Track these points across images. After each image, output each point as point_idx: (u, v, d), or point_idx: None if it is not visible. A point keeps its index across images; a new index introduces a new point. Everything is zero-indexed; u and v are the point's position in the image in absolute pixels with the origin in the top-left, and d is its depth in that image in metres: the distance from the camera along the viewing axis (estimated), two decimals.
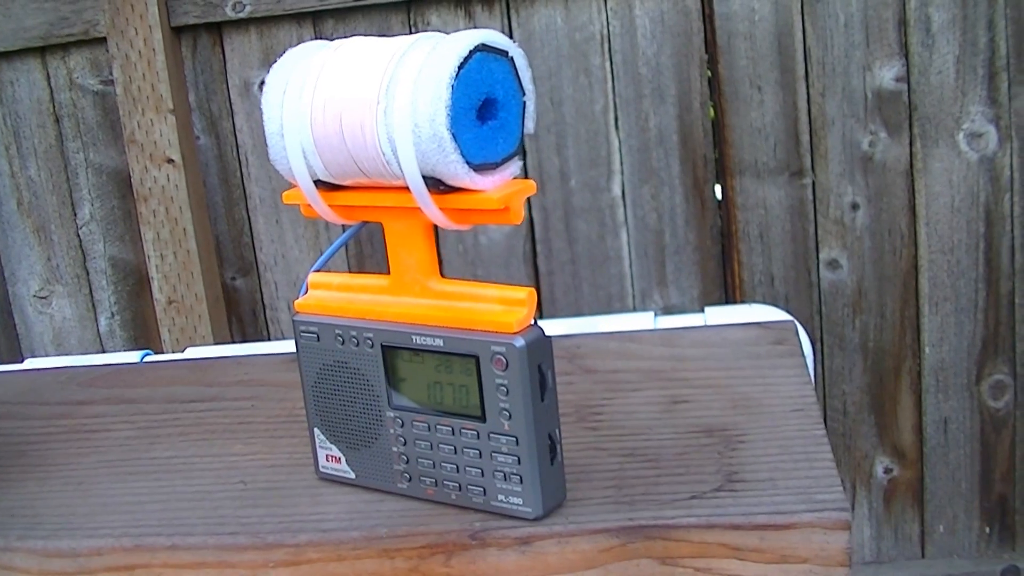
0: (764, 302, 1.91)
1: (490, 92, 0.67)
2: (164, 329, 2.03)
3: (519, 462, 0.69)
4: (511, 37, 1.88)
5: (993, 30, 1.74)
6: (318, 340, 0.75)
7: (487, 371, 0.68)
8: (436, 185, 0.66)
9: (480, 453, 0.70)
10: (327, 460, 0.77)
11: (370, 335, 0.72)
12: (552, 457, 0.70)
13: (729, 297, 1.92)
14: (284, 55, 0.71)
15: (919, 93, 1.78)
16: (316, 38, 1.93)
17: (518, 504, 0.69)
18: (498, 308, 0.68)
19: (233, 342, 2.09)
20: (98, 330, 2.15)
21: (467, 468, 0.71)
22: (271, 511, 0.75)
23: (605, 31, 1.86)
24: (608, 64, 1.87)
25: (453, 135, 0.64)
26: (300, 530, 0.72)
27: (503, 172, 0.68)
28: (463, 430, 0.70)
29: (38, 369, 1.09)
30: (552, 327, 1.07)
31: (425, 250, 0.71)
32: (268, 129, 0.70)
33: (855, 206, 1.84)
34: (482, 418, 0.69)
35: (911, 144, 1.80)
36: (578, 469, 0.75)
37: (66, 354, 2.18)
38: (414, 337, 0.70)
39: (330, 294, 0.75)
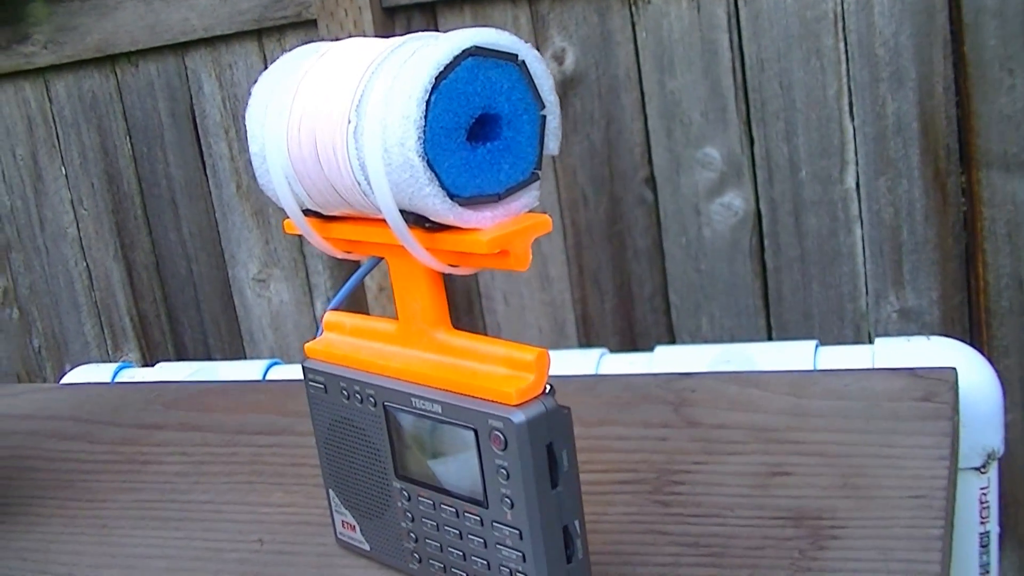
0: (1011, 308, 1.70)
1: (488, 106, 0.54)
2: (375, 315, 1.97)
3: (524, 559, 0.56)
4: (736, 17, 1.73)
5: None
6: (326, 392, 0.64)
7: (486, 448, 0.55)
8: (420, 222, 0.54)
9: (485, 543, 0.58)
10: (343, 527, 0.67)
11: (372, 392, 0.61)
12: (569, 555, 0.56)
13: (972, 301, 1.72)
14: (275, 62, 0.61)
15: None
16: (532, 21, 1.83)
17: None
18: (502, 372, 0.55)
19: None
20: (314, 314, 2.11)
21: (473, 557, 0.59)
22: None
23: (839, 9, 1.69)
24: (842, 45, 1.69)
25: (428, 162, 0.52)
26: None
27: (508, 205, 0.55)
28: (466, 513, 0.58)
29: (147, 382, 1.03)
30: (686, 357, 0.94)
31: (429, 295, 0.59)
32: (251, 150, 0.60)
33: None
34: (484, 503, 0.57)
35: None
36: (626, 559, 0.62)
37: (283, 339, 2.16)
38: (413, 399, 0.58)
39: (342, 338, 0.64)
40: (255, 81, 0.61)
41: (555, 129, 0.56)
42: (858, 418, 0.74)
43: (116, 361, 1.89)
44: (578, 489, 0.57)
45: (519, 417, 0.54)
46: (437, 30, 1.83)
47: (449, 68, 0.52)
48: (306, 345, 0.65)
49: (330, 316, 0.65)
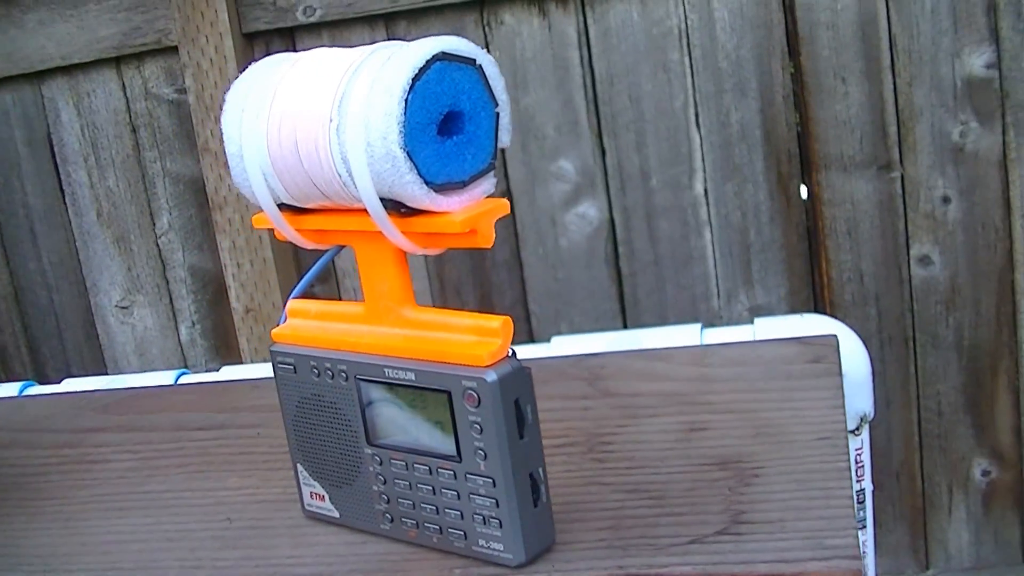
0: (853, 301, 1.82)
1: (454, 104, 0.61)
2: (242, 338, 2.01)
3: (497, 505, 0.63)
4: (586, 34, 1.82)
5: None
6: (295, 372, 0.70)
7: (460, 407, 0.62)
8: (396, 208, 0.61)
9: (458, 495, 0.65)
10: (311, 497, 0.73)
11: (344, 367, 0.67)
12: (535, 499, 0.64)
13: (817, 296, 1.84)
14: (246, 70, 0.67)
15: (1011, 80, 1.68)
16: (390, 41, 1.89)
17: (499, 550, 0.64)
18: (470, 339, 0.62)
19: None
20: (179, 340, 2.14)
21: (446, 510, 0.66)
22: (249, 553, 0.70)
23: (683, 25, 1.79)
24: (687, 59, 1.80)
25: (408, 153, 0.59)
26: (274, 574, 0.67)
27: (472, 191, 0.63)
28: (440, 469, 0.65)
29: (64, 393, 1.07)
30: (590, 343, 1.02)
31: (397, 276, 0.66)
32: (228, 150, 0.66)
33: (946, 199, 1.74)
34: (458, 457, 0.64)
35: (1004, 133, 1.70)
36: (574, 507, 0.69)
37: (149, 364, 2.18)
38: (387, 370, 0.65)
39: (307, 323, 0.71)
40: (227, 88, 0.67)
41: (507, 124, 0.64)
42: (758, 379, 0.83)
43: None
44: (540, 440, 0.64)
45: (491, 376, 0.61)
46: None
47: (422, 71, 0.59)
48: (272, 331, 0.71)
49: (293, 304, 0.72)
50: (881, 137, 1.74)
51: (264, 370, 1.08)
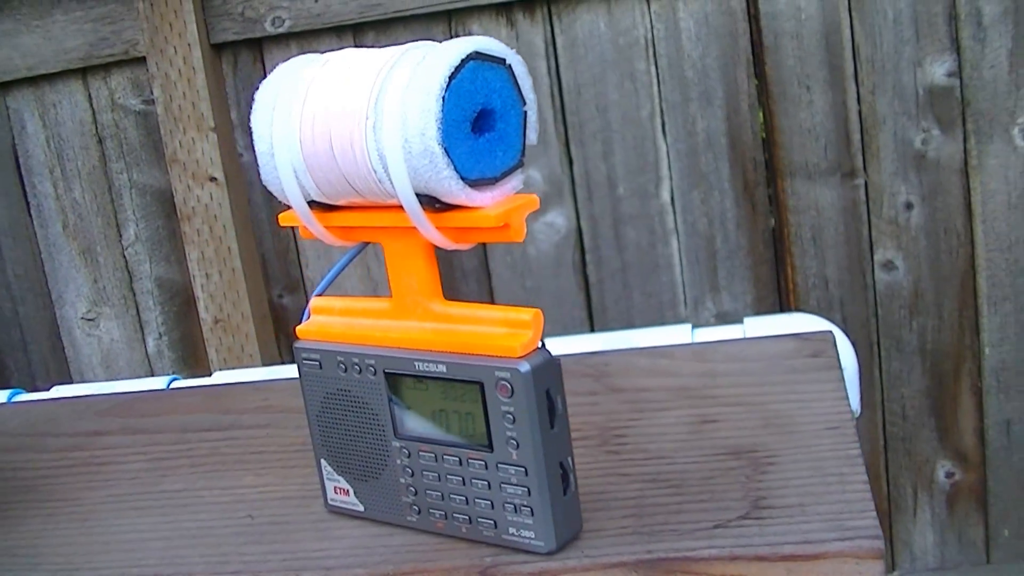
0: (818, 306, 1.86)
1: (486, 103, 0.63)
2: (211, 349, 2.01)
3: (529, 493, 0.65)
4: (554, 44, 1.84)
5: None
6: (320, 368, 0.71)
7: (492, 398, 0.64)
8: (431, 203, 0.63)
9: (489, 484, 0.66)
10: (335, 492, 0.74)
11: (372, 362, 0.69)
12: (565, 487, 0.66)
13: (783, 302, 1.87)
14: (274, 71, 0.68)
15: (972, 88, 1.72)
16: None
17: (530, 538, 0.66)
18: (502, 331, 0.64)
19: (282, 361, 2.06)
20: (146, 351, 2.13)
21: (476, 500, 0.67)
22: (275, 548, 0.71)
23: (649, 35, 1.82)
24: (653, 68, 1.83)
25: (445, 149, 0.61)
26: (303, 568, 0.68)
27: (503, 187, 0.64)
28: (470, 460, 0.66)
29: (59, 398, 1.07)
30: (583, 343, 1.03)
31: (426, 271, 0.67)
32: (259, 149, 0.67)
33: (909, 206, 1.78)
34: (489, 447, 0.65)
35: (965, 140, 1.74)
36: (596, 497, 0.71)
37: (115, 376, 2.17)
38: (416, 363, 0.67)
39: (332, 319, 0.72)
40: (256, 88, 0.68)
41: (534, 123, 0.66)
42: (762, 374, 0.85)
43: None
44: (568, 430, 0.66)
45: (524, 367, 0.63)
46: (263, 66, 1.90)
47: (457, 70, 0.61)
48: (297, 328, 0.72)
49: (317, 301, 0.73)
50: (845, 145, 1.78)
51: (257, 374, 1.09)
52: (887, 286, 1.82)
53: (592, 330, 1.96)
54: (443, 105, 0.60)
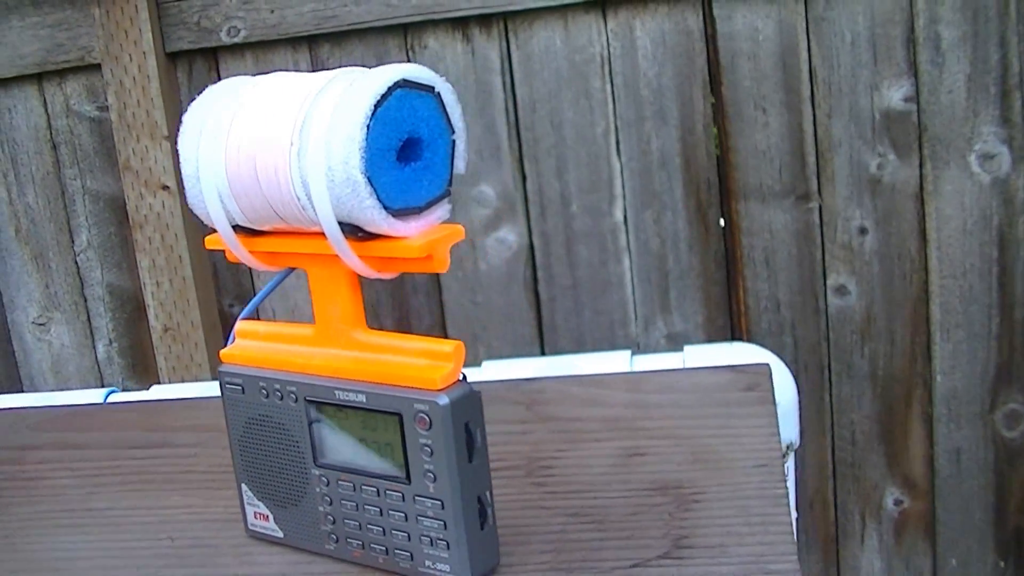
0: (770, 329, 1.85)
1: (413, 131, 0.62)
2: (160, 357, 2.00)
3: (445, 527, 0.64)
4: (509, 59, 1.84)
5: (1005, 47, 1.69)
6: (243, 392, 0.71)
7: (411, 430, 0.63)
8: (354, 232, 0.62)
9: (406, 516, 0.65)
10: (255, 518, 0.73)
11: (293, 388, 0.68)
12: (482, 522, 0.65)
13: (734, 324, 1.87)
14: (203, 93, 0.67)
15: (929, 113, 1.72)
16: (312, 66, 1.89)
17: (445, 571, 0.65)
18: (423, 362, 0.63)
19: None
20: (96, 357, 2.11)
21: (393, 531, 0.66)
22: (195, 572, 0.70)
23: (606, 52, 1.82)
24: (609, 86, 1.82)
25: (368, 179, 0.60)
26: None
27: (428, 217, 0.64)
28: (388, 491, 0.66)
29: None
30: (520, 368, 1.03)
31: (349, 299, 0.66)
32: (185, 172, 0.66)
33: (863, 230, 1.78)
34: (407, 479, 0.65)
35: (921, 166, 1.74)
36: (518, 531, 0.70)
37: (66, 382, 2.15)
38: (337, 392, 0.66)
39: (256, 344, 0.71)
40: (185, 110, 0.67)
41: (463, 151, 0.65)
42: (694, 406, 0.85)
43: None
44: (487, 464, 0.65)
45: (443, 400, 0.62)
46: (218, 75, 1.88)
47: (384, 97, 0.60)
48: (221, 352, 0.71)
49: (242, 325, 0.72)
50: (800, 167, 1.78)
51: (195, 389, 1.08)
52: (839, 310, 1.82)
53: (542, 347, 1.96)
54: (367, 133, 0.59)
